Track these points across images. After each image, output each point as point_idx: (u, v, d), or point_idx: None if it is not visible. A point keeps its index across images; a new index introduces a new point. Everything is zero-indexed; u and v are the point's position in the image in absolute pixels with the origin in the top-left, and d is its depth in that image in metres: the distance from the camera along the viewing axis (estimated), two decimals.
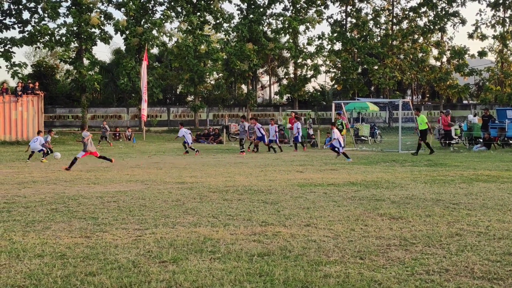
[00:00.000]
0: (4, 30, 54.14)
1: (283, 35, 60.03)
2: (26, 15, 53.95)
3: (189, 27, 56.73)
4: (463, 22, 62.19)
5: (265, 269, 6.51)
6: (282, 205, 11.16)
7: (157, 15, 57.17)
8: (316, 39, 60.38)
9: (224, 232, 8.58)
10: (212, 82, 67.75)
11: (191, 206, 11.08)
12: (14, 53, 53.76)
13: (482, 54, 61.35)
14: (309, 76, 60.86)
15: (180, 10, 57.42)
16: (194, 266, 6.65)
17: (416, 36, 63.16)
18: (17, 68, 53.11)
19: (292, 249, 7.50)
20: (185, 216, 9.98)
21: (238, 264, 6.77)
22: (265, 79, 75.46)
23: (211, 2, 57.01)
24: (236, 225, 9.13)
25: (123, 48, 59.00)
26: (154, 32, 55.57)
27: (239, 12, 60.00)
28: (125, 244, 7.85)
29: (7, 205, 11.32)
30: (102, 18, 54.94)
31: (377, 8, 64.13)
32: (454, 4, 61.59)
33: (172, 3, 56.62)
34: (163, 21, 56.00)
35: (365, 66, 62.49)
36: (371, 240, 8.01)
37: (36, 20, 54.26)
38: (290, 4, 60.22)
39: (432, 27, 62.13)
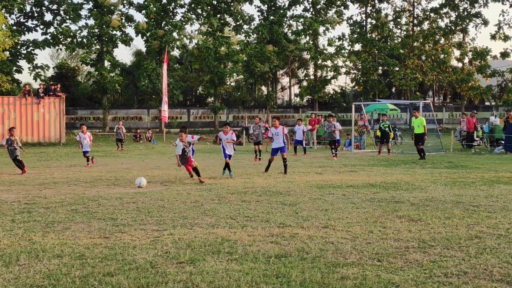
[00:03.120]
0: (27, 32, 54.84)
1: (303, 36, 59.88)
2: (48, 17, 54.73)
3: (209, 29, 56.90)
4: (485, 23, 61.54)
5: (282, 271, 6.51)
6: (300, 206, 11.14)
7: (178, 17, 57.48)
8: (336, 40, 60.23)
9: (242, 233, 8.59)
10: (232, 83, 67.85)
11: (209, 207, 11.11)
12: (37, 55, 54.50)
13: (504, 55, 60.70)
14: (329, 77, 60.66)
15: (201, 12, 57.62)
16: (211, 267, 6.67)
17: (437, 37, 62.63)
18: (39, 70, 53.78)
19: (309, 250, 7.48)
20: (203, 217, 10.01)
21: (255, 265, 6.77)
22: (285, 80, 75.39)
23: (232, 4, 57.13)
24: (254, 226, 9.14)
25: (144, 50, 59.33)
26: (175, 34, 55.83)
27: (259, 13, 60.11)
28: (143, 244, 7.90)
29: (28, 206, 11.44)
30: (123, 20, 55.35)
31: (397, 8, 63.77)
32: (476, 5, 61.00)
33: (193, 5, 56.82)
34: (184, 23, 56.22)
35: (385, 67, 62.14)
36: (389, 242, 7.97)
37: (58, 22, 54.91)
38: (310, 5, 60.10)
39: (453, 28, 61.61)
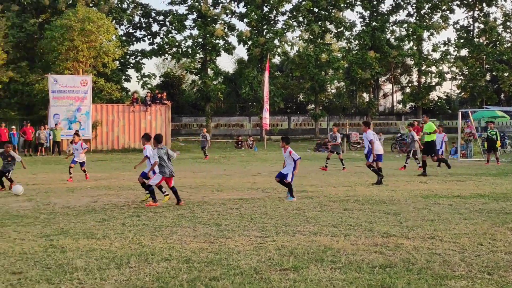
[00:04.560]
0: (135, 43, 57.27)
1: (406, 42, 58.64)
2: (155, 27, 56.94)
3: (310, 36, 56.97)
4: None
5: (387, 281, 6.39)
6: (405, 216, 10.89)
7: (279, 25, 57.94)
8: (441, 45, 58.47)
9: (345, 242, 8.51)
10: (333, 90, 67.48)
11: (311, 215, 11.09)
12: (144, 64, 56.82)
13: None
14: (433, 83, 59.01)
15: (302, 19, 57.80)
16: (314, 275, 6.65)
17: None
18: (146, 78, 56.01)
19: (415, 261, 7.30)
20: (306, 225, 10.00)
21: (359, 275, 6.69)
22: (387, 87, 74.04)
23: (333, 10, 56.92)
24: (357, 235, 9.03)
25: (245, 58, 60.28)
26: (276, 41, 56.33)
27: (361, 20, 59.51)
28: (247, 250, 8.00)
29: (137, 210, 11.89)
30: (226, 30, 56.51)
31: (507, 12, 61.03)
32: None
33: (294, 13, 57.12)
34: (285, 31, 56.60)
35: (494, 73, 59.57)
36: (500, 255, 7.63)
37: (164, 33, 56.99)
38: (414, 10, 58.76)
39: None
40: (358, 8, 59.70)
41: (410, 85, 65.24)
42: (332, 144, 24.96)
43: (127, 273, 6.84)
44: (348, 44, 59.60)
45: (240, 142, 46.36)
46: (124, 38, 54.23)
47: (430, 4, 58.16)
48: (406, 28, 57.73)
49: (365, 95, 68.69)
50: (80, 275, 6.73)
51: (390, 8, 58.93)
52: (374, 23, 57.74)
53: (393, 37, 59.75)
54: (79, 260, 7.44)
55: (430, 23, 58.24)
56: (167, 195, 13.03)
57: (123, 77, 54.76)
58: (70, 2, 48.82)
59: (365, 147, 18.20)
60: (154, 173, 13.16)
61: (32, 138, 35.98)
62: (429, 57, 58.51)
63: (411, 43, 58.78)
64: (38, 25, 48.35)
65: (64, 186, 17.10)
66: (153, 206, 12.45)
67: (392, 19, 59.11)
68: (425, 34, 57.80)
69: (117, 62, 50.35)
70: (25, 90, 45.56)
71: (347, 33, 58.68)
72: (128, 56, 55.16)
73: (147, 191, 13.23)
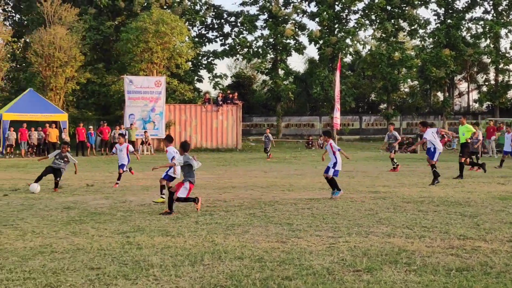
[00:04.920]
0: (207, 44, 58.04)
1: (483, 39, 56.85)
2: (227, 28, 57.53)
3: (383, 34, 56.14)
4: None
5: (464, 285, 6.24)
6: (482, 218, 10.58)
7: (351, 24, 57.38)
8: None
9: (420, 244, 8.35)
10: (406, 89, 66.23)
11: (384, 216, 10.94)
12: (216, 65, 57.45)
13: None
14: (511, 82, 57.04)
15: (374, 18, 57.02)
16: (389, 277, 6.56)
17: None
18: (218, 79, 56.66)
19: (493, 265, 7.09)
20: (379, 226, 9.88)
21: (435, 277, 6.56)
22: (463, 86, 72.00)
23: (406, 8, 55.86)
24: (432, 237, 8.84)
25: (316, 57, 60.01)
26: (348, 40, 55.79)
27: (435, 17, 58.11)
28: (319, 251, 7.98)
29: (210, 209, 12.06)
30: (297, 29, 56.45)
31: None
32: None
33: (366, 11, 56.43)
34: (357, 29, 55.98)
35: None
36: None
37: (236, 33, 57.49)
38: (491, 7, 56.88)
39: None
40: (433, 6, 58.19)
41: (487, 83, 63.26)
42: (392, 144, 23.85)
43: (201, 271, 6.95)
44: (422, 42, 58.39)
45: (310, 142, 46.22)
46: (196, 39, 55.07)
47: (508, 1, 56.08)
48: (483, 25, 55.96)
49: (439, 94, 67.05)
50: (156, 272, 6.89)
51: (466, 5, 57.25)
52: (449, 21, 56.25)
53: (469, 34, 58.03)
54: (155, 257, 7.62)
55: (508, 20, 56.22)
56: (163, 198, 13.04)
57: (196, 77, 55.60)
58: (145, 4, 49.96)
59: (428, 146, 17.82)
60: (165, 176, 13.33)
61: (108, 138, 37.05)
62: (506, 55, 56.52)
63: (488, 41, 56.95)
64: (114, 28, 49.73)
65: (139, 184, 17.54)
66: (167, 213, 11.58)
67: (467, 16, 57.45)
68: (503, 32, 55.86)
69: (190, 63, 51.19)
70: (102, 91, 46.96)
71: (421, 31, 57.48)
72: (200, 57, 55.98)
73: (162, 195, 13.33)
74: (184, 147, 11.91)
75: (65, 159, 16.60)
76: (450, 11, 57.02)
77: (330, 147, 14.08)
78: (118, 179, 17.21)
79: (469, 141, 20.29)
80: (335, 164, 13.99)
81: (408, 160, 29.73)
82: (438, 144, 17.52)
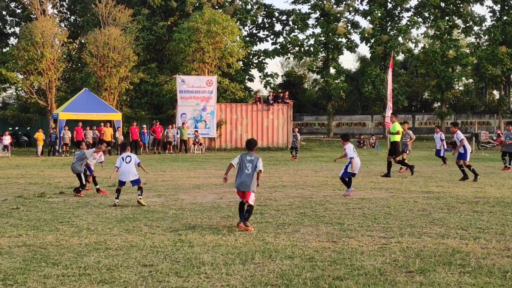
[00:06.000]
0: (258, 43, 58.15)
1: None
2: (278, 27, 57.49)
3: (436, 32, 55.13)
4: None
5: None
6: None
7: (403, 22, 56.57)
8: None
9: (474, 245, 8.18)
10: (461, 88, 64.88)
11: (438, 217, 10.75)
12: (267, 64, 57.51)
13: None
14: None
15: (428, 15, 56.10)
16: (442, 279, 6.45)
17: None
18: (269, 78, 56.73)
19: None
20: (432, 227, 9.71)
21: (490, 280, 6.41)
22: None
23: (461, 5, 54.70)
24: (488, 238, 8.65)
25: (368, 56, 59.40)
26: (400, 38, 55.01)
27: (491, 14, 56.73)
28: (371, 251, 7.90)
29: (260, 208, 12.07)
30: (349, 27, 56.00)
31: None
32: None
33: (419, 9, 55.55)
34: (409, 27, 55.15)
35: None
36: None
37: (287, 32, 57.40)
38: None
39: None
40: (488, 2, 57.13)
41: None
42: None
43: (252, 269, 6.97)
44: (477, 40, 57.15)
45: (362, 141, 45.78)
46: (247, 38, 55.26)
47: None
48: None
49: (495, 92, 65.47)
50: (207, 270, 6.95)
51: None
52: (505, 17, 54.79)
53: None
54: (206, 255, 7.69)
55: None
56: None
57: (247, 77, 55.79)
58: (197, 4, 50.43)
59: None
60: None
61: (161, 137, 37.54)
62: None
63: None
64: (167, 28, 50.37)
65: (191, 182, 17.72)
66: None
67: None
68: None
69: (241, 62, 51.40)
70: (155, 90, 47.64)
71: (476, 28, 56.31)
72: (251, 56, 56.17)
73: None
74: (249, 146, 10.80)
75: (78, 157, 14.96)
76: (506, 8, 55.55)
77: (344, 151, 14.60)
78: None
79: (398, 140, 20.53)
80: (346, 166, 14.44)
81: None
82: (467, 144, 18.14)
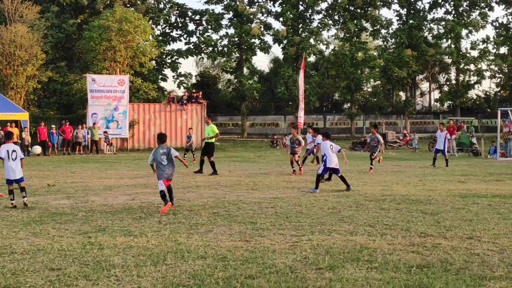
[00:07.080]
0: (172, 42, 57.63)
1: (444, 40, 57.80)
2: (191, 27, 57.16)
3: (346, 34, 56.62)
4: None
5: (425, 282, 6.32)
6: (443, 216, 10.76)
7: (314, 24, 57.66)
8: (480, 43, 57.34)
9: (381, 241, 8.45)
10: (369, 89, 66.91)
11: (347, 214, 11.03)
12: (180, 63, 57.12)
13: None
14: (472, 82, 58.04)
15: (337, 18, 57.45)
16: (350, 275, 6.62)
17: None
18: (183, 78, 56.38)
19: (453, 262, 7.21)
20: (341, 224, 9.96)
21: (396, 275, 6.63)
22: (424, 85, 73.13)
23: (369, 9, 56.43)
24: (394, 235, 8.96)
25: (281, 57, 60.20)
26: (311, 40, 56.10)
27: (397, 18, 58.83)
28: (283, 249, 8.00)
29: (173, 208, 11.96)
30: (262, 29, 56.50)
31: None
32: None
33: (330, 11, 56.83)
34: (320, 29, 56.33)
35: None
36: None
37: (201, 32, 57.20)
38: (452, 8, 57.78)
39: None
40: (395, 6, 58.93)
41: (448, 83, 64.33)
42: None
43: (164, 270, 6.90)
44: (385, 42, 59.11)
45: (275, 141, 46.34)
46: (160, 38, 54.62)
47: (468, 2, 57.04)
48: (444, 26, 56.88)
49: (402, 93, 67.98)
50: (118, 272, 6.82)
51: (428, 5, 58.13)
52: (411, 21, 56.95)
53: (431, 35, 58.93)
54: (117, 257, 7.54)
55: (469, 20, 57.17)
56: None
57: (160, 76, 55.16)
58: (108, 2, 49.37)
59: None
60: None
61: (70, 137, 36.52)
62: (467, 55, 57.52)
63: (449, 41, 57.91)
64: (77, 26, 49.05)
65: (102, 184, 17.33)
66: (166, 209, 11.53)
67: (429, 16, 58.31)
68: (464, 32, 56.83)
69: (154, 61, 50.75)
70: (64, 89, 46.23)
71: (383, 31, 58.21)
72: (164, 56, 55.58)
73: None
74: (161, 139, 12.11)
75: None
76: (412, 12, 57.76)
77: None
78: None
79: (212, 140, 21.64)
80: (325, 163, 15.59)
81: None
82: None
